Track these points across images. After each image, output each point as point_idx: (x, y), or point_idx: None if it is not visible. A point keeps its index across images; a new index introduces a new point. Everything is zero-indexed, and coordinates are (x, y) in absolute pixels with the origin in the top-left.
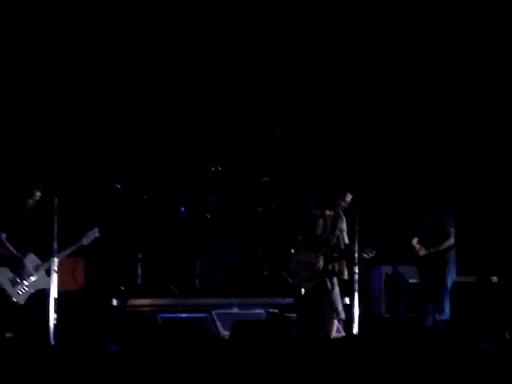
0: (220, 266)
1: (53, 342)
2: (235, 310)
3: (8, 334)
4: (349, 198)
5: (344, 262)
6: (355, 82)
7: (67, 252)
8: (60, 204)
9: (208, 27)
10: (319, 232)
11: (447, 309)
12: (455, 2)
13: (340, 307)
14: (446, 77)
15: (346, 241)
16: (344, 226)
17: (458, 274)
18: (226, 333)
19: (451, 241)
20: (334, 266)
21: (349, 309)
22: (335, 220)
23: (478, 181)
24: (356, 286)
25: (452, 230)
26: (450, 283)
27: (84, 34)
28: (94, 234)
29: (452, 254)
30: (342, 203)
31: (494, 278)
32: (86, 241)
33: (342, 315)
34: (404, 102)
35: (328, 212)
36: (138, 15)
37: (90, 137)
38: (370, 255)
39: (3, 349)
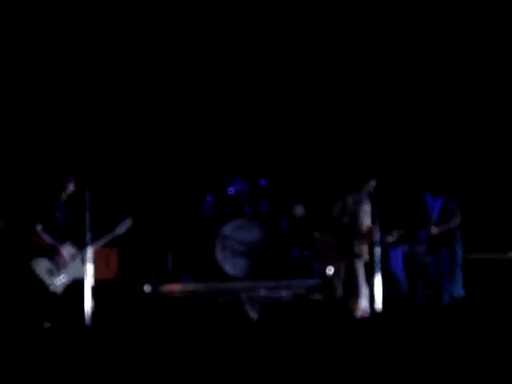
0: (247, 250)
1: (90, 329)
2: (263, 293)
3: (46, 325)
4: (373, 183)
5: (364, 244)
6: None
7: (102, 242)
8: (94, 196)
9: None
10: (337, 213)
11: (461, 285)
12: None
13: (362, 289)
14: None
15: (368, 223)
16: (367, 207)
17: (465, 251)
18: (254, 315)
19: (458, 219)
20: (352, 248)
21: (371, 288)
22: (356, 203)
23: (487, 158)
24: (378, 266)
25: (457, 208)
26: (460, 260)
27: (97, 29)
28: (128, 223)
29: (459, 232)
30: (367, 187)
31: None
32: (119, 231)
33: (363, 296)
34: (418, 87)
35: (351, 195)
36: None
37: (118, 129)
38: (394, 238)
39: (42, 338)
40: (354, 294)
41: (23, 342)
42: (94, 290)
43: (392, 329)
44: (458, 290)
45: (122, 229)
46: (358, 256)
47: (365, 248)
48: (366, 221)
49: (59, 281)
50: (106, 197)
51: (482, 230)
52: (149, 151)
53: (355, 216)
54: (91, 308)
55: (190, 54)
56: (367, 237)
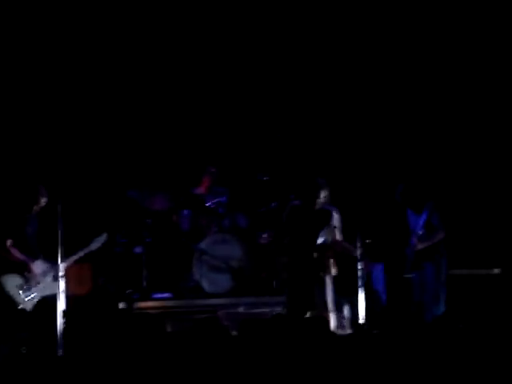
0: (225, 265)
1: (61, 348)
2: (241, 310)
3: (23, 349)
4: (324, 192)
5: (330, 259)
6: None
7: (76, 257)
8: (68, 210)
9: (210, 25)
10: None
11: (443, 302)
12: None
13: (330, 303)
14: (434, 75)
15: (338, 237)
16: (334, 222)
17: (449, 268)
18: (233, 332)
19: (442, 234)
20: (319, 263)
21: (355, 305)
22: (318, 218)
23: (471, 171)
24: (361, 282)
25: (441, 223)
26: (444, 277)
27: (89, 34)
28: (103, 239)
29: (443, 248)
30: (319, 199)
31: (496, 270)
32: (94, 246)
33: (332, 310)
34: (390, 97)
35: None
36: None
37: (92, 141)
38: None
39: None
40: (321, 308)
41: None
42: (67, 306)
43: (375, 345)
44: (440, 308)
45: (97, 244)
46: (325, 271)
47: (330, 263)
48: (334, 235)
49: (29, 298)
50: (79, 210)
51: (467, 246)
52: (123, 163)
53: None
54: (63, 325)
55: (177, 64)
56: (332, 252)
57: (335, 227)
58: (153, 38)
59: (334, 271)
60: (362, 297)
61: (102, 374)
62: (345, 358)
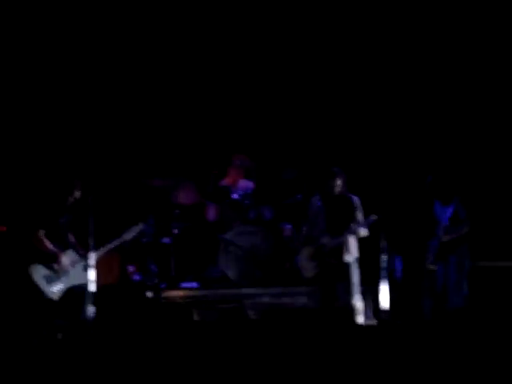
0: (250, 256)
1: (91, 335)
2: (266, 300)
3: (59, 335)
4: (339, 180)
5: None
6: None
7: (109, 247)
8: (99, 202)
9: (222, 18)
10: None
11: (465, 294)
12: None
13: (356, 287)
14: (459, 76)
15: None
16: (353, 206)
17: (472, 259)
18: (257, 321)
19: (468, 228)
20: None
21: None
22: (338, 205)
23: (495, 163)
24: (384, 274)
25: (467, 217)
26: (467, 269)
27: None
28: (137, 229)
29: (467, 241)
30: (336, 187)
31: None
32: (127, 236)
33: (353, 300)
34: (420, 87)
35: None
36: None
37: (124, 135)
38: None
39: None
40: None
41: (34, 352)
42: (96, 295)
43: (397, 336)
44: (462, 299)
45: (130, 234)
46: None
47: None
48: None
49: (56, 288)
50: (110, 202)
51: (488, 238)
52: (152, 155)
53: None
54: (93, 314)
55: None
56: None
57: (357, 213)
58: (171, 27)
59: (356, 253)
60: (385, 287)
61: (129, 361)
62: (368, 348)
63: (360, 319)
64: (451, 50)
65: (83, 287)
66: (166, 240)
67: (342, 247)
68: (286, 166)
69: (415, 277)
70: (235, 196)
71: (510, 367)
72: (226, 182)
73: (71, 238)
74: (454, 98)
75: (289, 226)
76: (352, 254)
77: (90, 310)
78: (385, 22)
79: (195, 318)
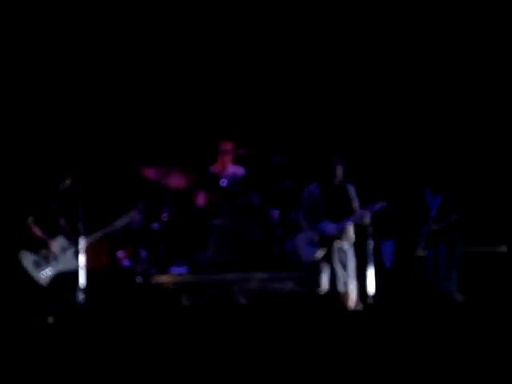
0: (239, 241)
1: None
2: (254, 285)
3: (50, 319)
4: (339, 169)
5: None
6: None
7: (100, 234)
8: (94, 187)
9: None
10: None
11: (455, 281)
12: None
13: (341, 280)
14: (442, 69)
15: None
16: (350, 194)
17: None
18: (245, 306)
19: (457, 216)
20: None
21: (363, 281)
22: (337, 193)
23: (482, 150)
24: (370, 259)
25: (456, 205)
26: (457, 256)
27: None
28: (130, 216)
29: (458, 228)
30: (336, 175)
31: (503, 248)
32: (119, 224)
33: (343, 288)
34: (409, 80)
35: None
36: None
37: (112, 121)
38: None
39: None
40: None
41: (26, 337)
42: (86, 281)
43: (386, 322)
44: (451, 286)
45: (121, 221)
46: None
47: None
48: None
49: (45, 274)
50: (101, 188)
51: (474, 224)
52: (141, 142)
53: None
54: (82, 299)
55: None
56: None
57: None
58: (167, 21)
59: (352, 238)
60: (371, 272)
61: (119, 345)
62: (354, 334)
63: (351, 304)
64: (442, 45)
65: (73, 273)
66: (155, 226)
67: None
68: (275, 151)
69: (405, 262)
70: (224, 182)
71: (498, 352)
72: (215, 168)
73: (62, 224)
74: (443, 90)
75: (277, 212)
76: (350, 239)
77: (80, 295)
78: (378, 16)
79: (184, 302)
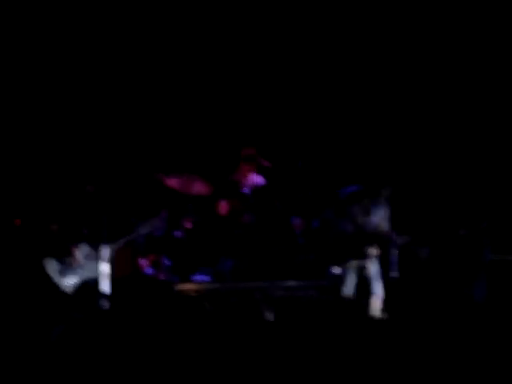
0: (263, 250)
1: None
2: (279, 293)
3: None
4: (389, 190)
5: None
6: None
7: (124, 241)
8: (113, 197)
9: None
10: (357, 215)
11: (484, 286)
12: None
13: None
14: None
15: (385, 227)
16: (383, 212)
17: (493, 253)
18: (269, 314)
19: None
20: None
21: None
22: (370, 207)
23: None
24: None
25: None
26: (486, 262)
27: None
28: (152, 223)
29: (487, 235)
30: (383, 194)
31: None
32: (142, 231)
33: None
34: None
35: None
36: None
37: (135, 129)
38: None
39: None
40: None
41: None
42: (111, 288)
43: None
44: (480, 291)
45: (144, 229)
46: (370, 256)
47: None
48: (384, 225)
49: (70, 282)
50: (124, 196)
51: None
52: (166, 150)
53: (372, 219)
54: (107, 306)
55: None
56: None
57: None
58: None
59: (377, 252)
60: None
61: (142, 352)
62: (375, 342)
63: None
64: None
65: (97, 280)
66: (178, 234)
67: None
68: (297, 158)
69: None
70: (245, 191)
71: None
72: (236, 176)
73: (86, 232)
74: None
75: (298, 220)
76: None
77: (105, 302)
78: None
79: (207, 310)
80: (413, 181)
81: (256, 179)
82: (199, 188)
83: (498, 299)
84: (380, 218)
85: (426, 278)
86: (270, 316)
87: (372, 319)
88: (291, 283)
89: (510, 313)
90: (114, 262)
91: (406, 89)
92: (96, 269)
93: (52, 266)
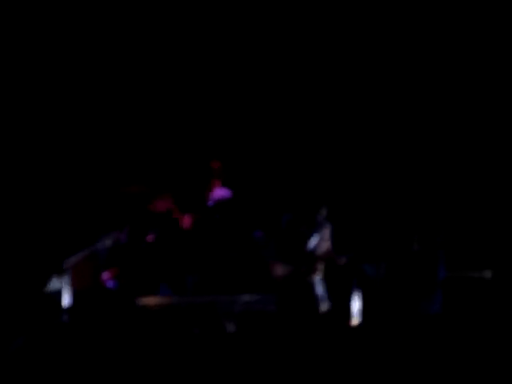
0: (223, 263)
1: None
2: (239, 306)
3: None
4: (324, 211)
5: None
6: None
7: (84, 254)
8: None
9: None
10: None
11: (438, 303)
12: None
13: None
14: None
15: (326, 247)
16: (324, 235)
17: (447, 270)
18: (230, 327)
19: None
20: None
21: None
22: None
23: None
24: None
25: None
26: (441, 277)
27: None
28: (113, 237)
29: (442, 251)
30: (318, 217)
31: (487, 273)
32: (101, 245)
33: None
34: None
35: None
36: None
37: (97, 142)
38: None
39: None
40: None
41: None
42: (70, 301)
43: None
44: (434, 307)
45: (104, 242)
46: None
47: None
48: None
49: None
50: (85, 209)
51: (459, 248)
52: (129, 164)
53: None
54: (67, 319)
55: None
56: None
57: (327, 238)
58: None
59: (321, 274)
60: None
61: (102, 366)
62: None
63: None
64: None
65: (58, 293)
66: (140, 248)
67: None
68: (262, 173)
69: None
70: (210, 204)
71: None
72: (201, 189)
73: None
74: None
75: (260, 234)
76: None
77: (65, 315)
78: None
79: (170, 324)
80: (366, 197)
81: (221, 192)
82: (163, 202)
83: (454, 314)
84: (320, 239)
85: (379, 295)
86: (231, 328)
87: (332, 332)
88: (252, 297)
89: (464, 327)
90: (74, 275)
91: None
92: (57, 282)
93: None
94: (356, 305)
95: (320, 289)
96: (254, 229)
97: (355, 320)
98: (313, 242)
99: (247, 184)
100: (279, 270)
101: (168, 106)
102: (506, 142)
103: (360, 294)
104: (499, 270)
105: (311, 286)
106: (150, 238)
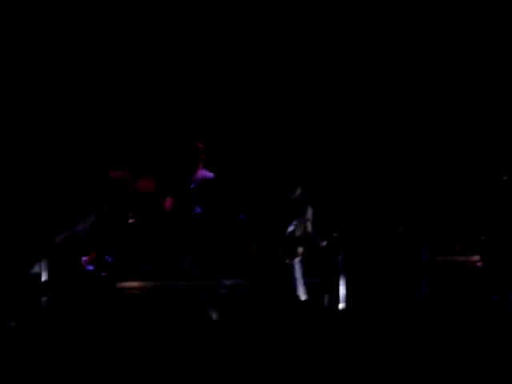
0: (207, 247)
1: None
2: (223, 291)
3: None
4: (298, 192)
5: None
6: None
7: (62, 237)
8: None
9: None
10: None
11: (424, 287)
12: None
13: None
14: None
15: (309, 229)
16: (305, 217)
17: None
18: (214, 312)
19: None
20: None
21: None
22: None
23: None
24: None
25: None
26: (425, 259)
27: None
28: (90, 221)
29: (424, 233)
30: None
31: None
32: (81, 227)
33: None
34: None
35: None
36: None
37: (80, 123)
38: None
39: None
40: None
41: None
42: (50, 285)
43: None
44: (420, 292)
45: (83, 225)
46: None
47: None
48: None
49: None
50: (63, 192)
51: (447, 233)
52: (108, 145)
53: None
54: (45, 303)
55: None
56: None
57: (308, 220)
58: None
59: (300, 257)
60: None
61: (82, 350)
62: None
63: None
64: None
65: (37, 276)
66: (121, 230)
67: None
68: (246, 153)
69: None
70: (193, 186)
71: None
72: (183, 171)
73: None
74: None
75: (243, 217)
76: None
77: (43, 299)
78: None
79: (151, 309)
80: (350, 180)
81: (204, 174)
82: (144, 184)
83: (438, 297)
84: (299, 221)
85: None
86: (214, 314)
87: (318, 318)
88: (235, 281)
89: (450, 311)
90: (53, 258)
91: (327, 93)
92: (36, 265)
93: None
94: (340, 289)
95: (299, 272)
96: (237, 211)
97: (340, 305)
98: (291, 224)
99: (229, 166)
100: (255, 252)
101: (151, 88)
102: (487, 125)
103: (343, 277)
104: (486, 253)
105: (290, 269)
106: (130, 219)
